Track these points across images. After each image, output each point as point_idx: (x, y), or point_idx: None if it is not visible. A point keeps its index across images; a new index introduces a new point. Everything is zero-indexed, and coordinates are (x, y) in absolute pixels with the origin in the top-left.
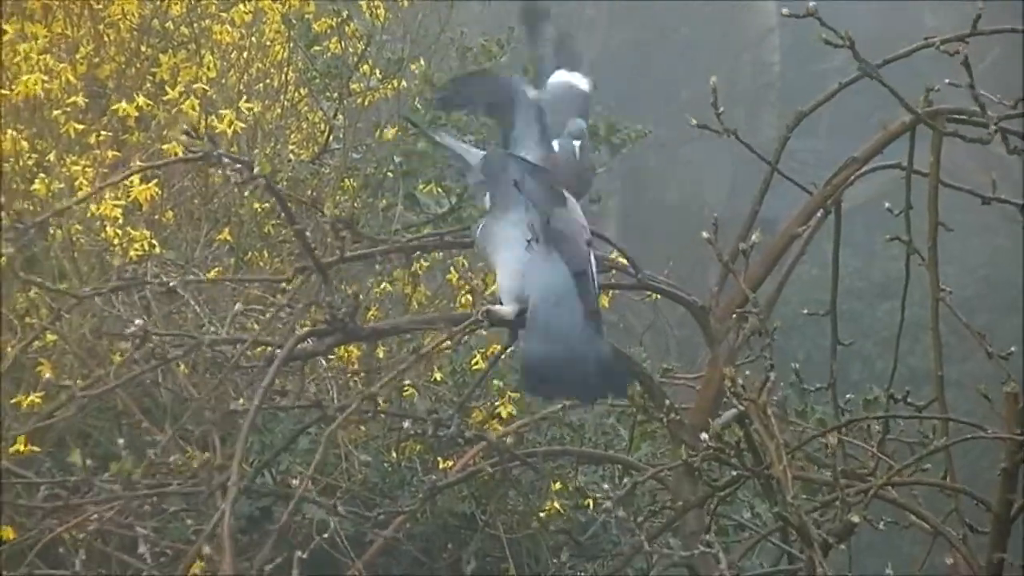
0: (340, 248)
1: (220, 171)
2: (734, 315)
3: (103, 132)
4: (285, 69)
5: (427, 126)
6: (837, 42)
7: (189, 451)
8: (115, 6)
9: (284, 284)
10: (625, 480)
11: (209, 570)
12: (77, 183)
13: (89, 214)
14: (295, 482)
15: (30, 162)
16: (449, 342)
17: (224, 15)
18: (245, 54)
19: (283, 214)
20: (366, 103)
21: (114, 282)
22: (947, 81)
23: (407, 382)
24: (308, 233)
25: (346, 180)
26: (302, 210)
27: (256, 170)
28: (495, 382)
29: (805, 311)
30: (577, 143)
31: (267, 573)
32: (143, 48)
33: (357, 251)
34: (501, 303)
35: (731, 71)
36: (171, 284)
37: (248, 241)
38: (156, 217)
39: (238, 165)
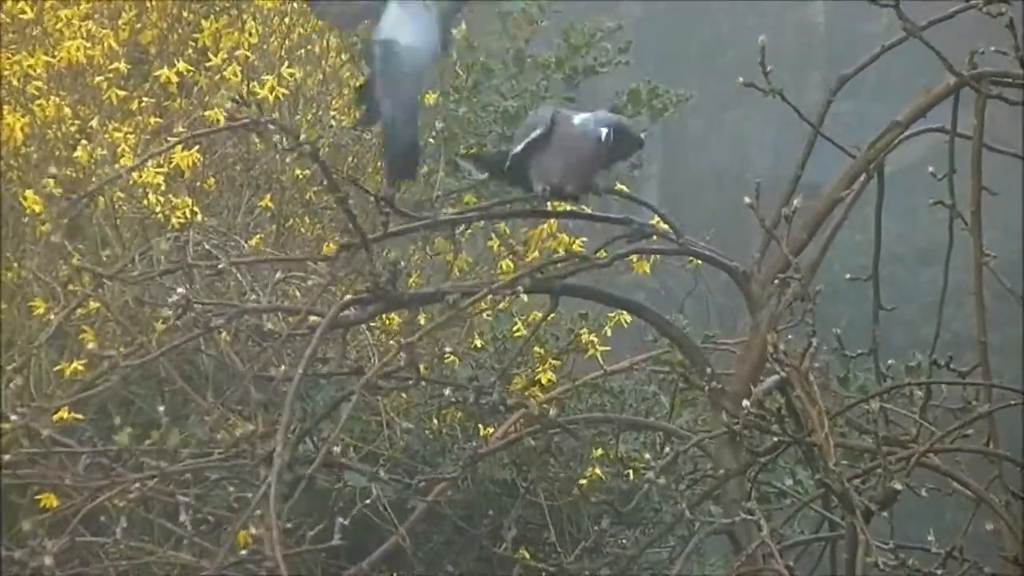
0: (384, 223)
1: (261, 138)
2: (776, 281)
3: (145, 98)
4: (326, 34)
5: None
6: (884, 2)
7: (232, 420)
8: None
9: (324, 263)
10: (667, 449)
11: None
12: (119, 150)
13: (132, 181)
14: (336, 449)
15: (72, 128)
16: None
17: None
18: (287, 19)
19: (326, 182)
20: None
21: (163, 266)
22: (992, 48)
23: (448, 349)
24: (351, 201)
25: None
26: (344, 180)
27: (302, 137)
28: (536, 349)
29: (848, 276)
30: (604, 130)
31: (310, 539)
32: (185, 14)
33: (400, 227)
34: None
35: (775, 33)
36: (219, 267)
37: (290, 208)
38: (198, 184)
39: (283, 133)
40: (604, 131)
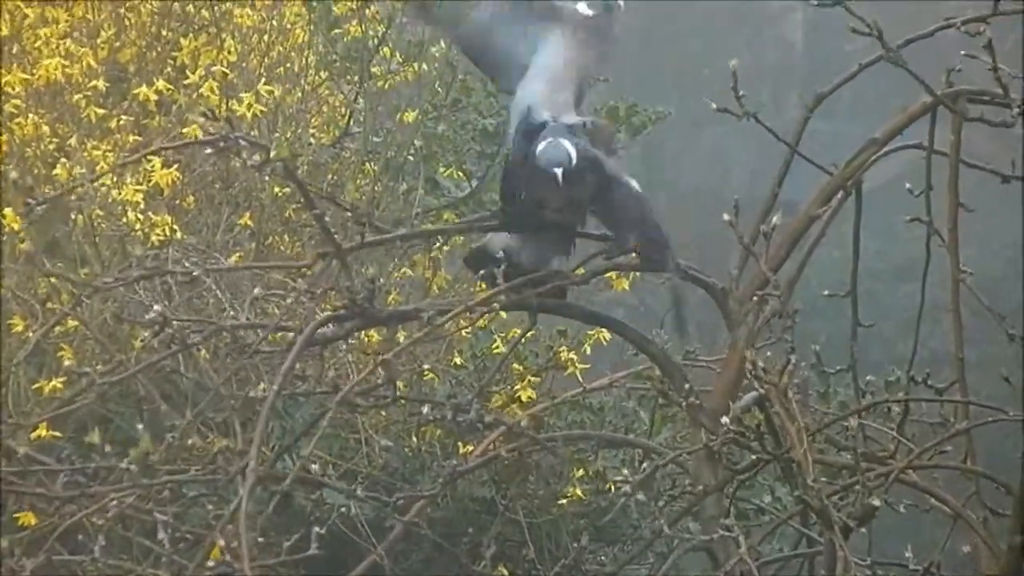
0: (361, 235)
1: (239, 155)
2: (754, 297)
3: (124, 116)
4: (305, 52)
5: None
6: (864, 30)
7: (209, 436)
8: None
9: (305, 270)
10: (645, 464)
11: (227, 556)
12: (98, 168)
13: (111, 199)
14: (315, 467)
15: (51, 147)
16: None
17: None
18: (266, 37)
19: (303, 199)
20: (386, 86)
21: (137, 271)
22: (964, 53)
23: (427, 366)
24: (327, 218)
25: (367, 164)
26: (321, 196)
27: (273, 154)
28: (515, 366)
29: (825, 293)
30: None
31: (287, 551)
32: (164, 32)
33: (377, 238)
34: None
35: (753, 49)
36: (194, 272)
37: (269, 226)
38: (177, 202)
39: (256, 149)
40: (557, 171)
